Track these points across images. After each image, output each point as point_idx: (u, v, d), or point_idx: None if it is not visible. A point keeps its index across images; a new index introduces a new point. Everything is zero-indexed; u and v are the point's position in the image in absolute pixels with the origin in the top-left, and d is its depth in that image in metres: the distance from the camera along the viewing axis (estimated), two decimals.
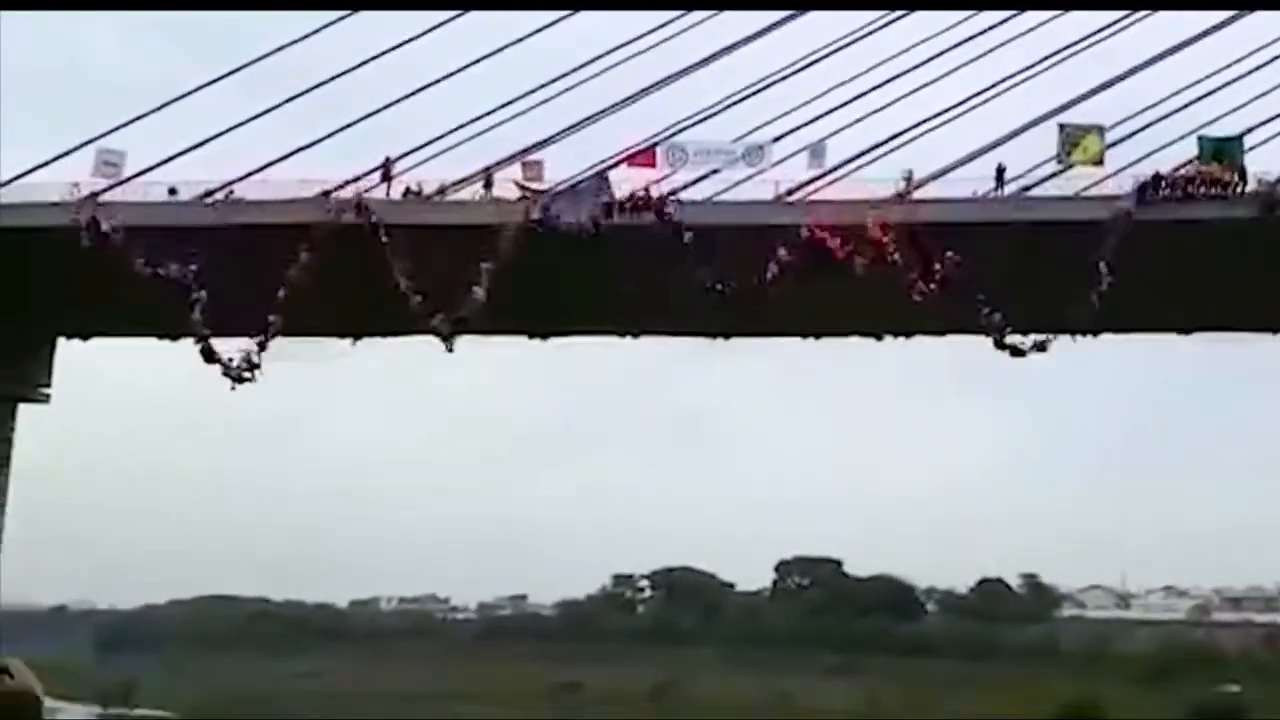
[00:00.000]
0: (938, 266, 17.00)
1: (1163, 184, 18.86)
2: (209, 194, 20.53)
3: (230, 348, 20.14)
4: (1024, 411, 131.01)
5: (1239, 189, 18.94)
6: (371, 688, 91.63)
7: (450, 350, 18.44)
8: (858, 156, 19.54)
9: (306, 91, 22.05)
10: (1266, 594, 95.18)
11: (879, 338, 18.14)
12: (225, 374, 21.16)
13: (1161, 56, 20.61)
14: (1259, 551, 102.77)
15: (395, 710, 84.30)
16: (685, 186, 19.64)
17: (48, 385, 26.15)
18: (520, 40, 21.55)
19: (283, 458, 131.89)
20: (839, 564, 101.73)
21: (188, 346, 21.05)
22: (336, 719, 79.35)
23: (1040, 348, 20.04)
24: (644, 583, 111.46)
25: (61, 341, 24.06)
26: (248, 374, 21.54)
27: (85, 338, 22.61)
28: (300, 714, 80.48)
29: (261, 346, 19.31)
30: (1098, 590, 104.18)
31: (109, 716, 40.26)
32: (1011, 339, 19.40)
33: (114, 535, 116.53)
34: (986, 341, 18.65)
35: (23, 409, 25.29)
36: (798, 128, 19.77)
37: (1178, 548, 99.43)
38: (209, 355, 21.15)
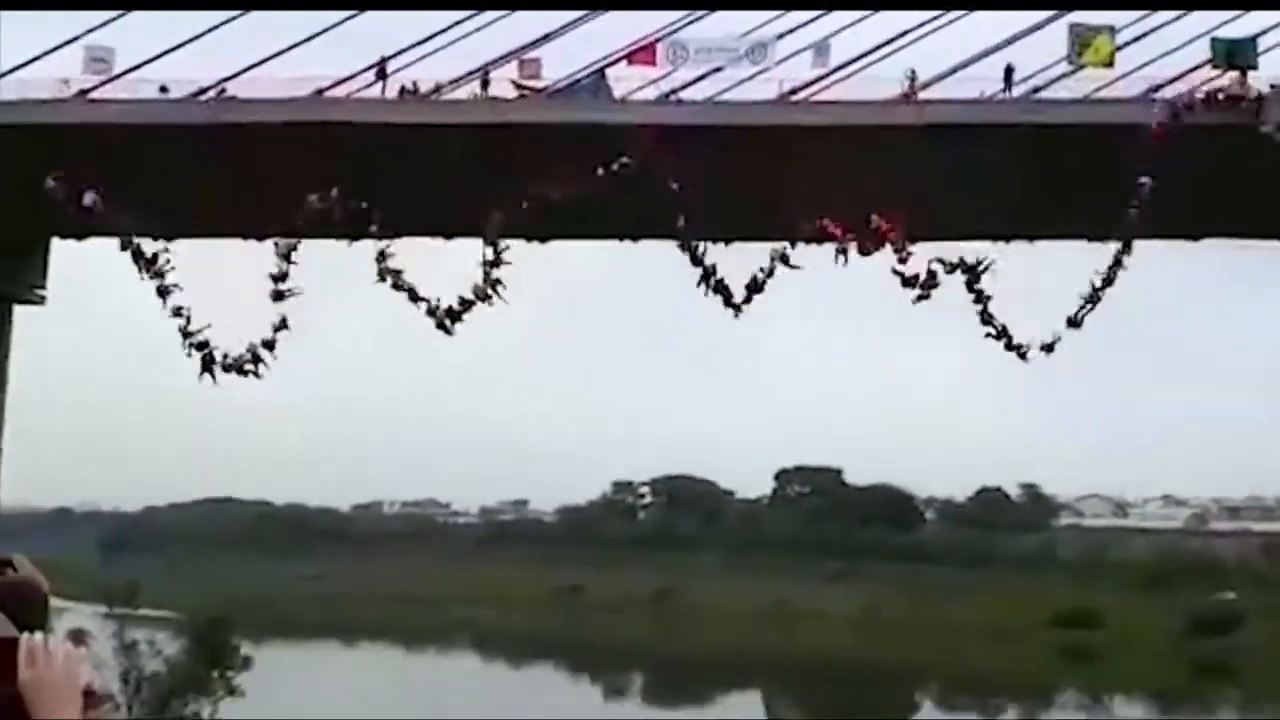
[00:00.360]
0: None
1: (1178, 102, 18.49)
2: (201, 92, 20.16)
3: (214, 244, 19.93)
4: (1026, 318, 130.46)
5: (1256, 100, 18.60)
6: (374, 590, 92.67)
7: (449, 239, 18.28)
8: (863, 55, 19.16)
9: None
10: (1265, 503, 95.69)
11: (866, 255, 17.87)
12: (227, 370, 21.10)
13: None
14: (1259, 460, 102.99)
15: (398, 612, 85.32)
16: (686, 85, 19.29)
17: (43, 287, 25.90)
18: None
19: (283, 363, 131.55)
20: (839, 473, 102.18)
21: (183, 245, 20.81)
22: (341, 620, 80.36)
23: (1048, 349, 19.96)
24: (644, 490, 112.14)
25: (56, 243, 23.81)
26: (250, 367, 21.45)
27: (80, 238, 22.31)
28: (305, 615, 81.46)
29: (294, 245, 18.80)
30: (1096, 499, 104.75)
31: (115, 615, 40.66)
32: (1020, 339, 19.44)
33: (115, 439, 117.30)
34: (989, 246, 18.43)
35: (19, 311, 25.12)
36: (802, 25, 19.37)
37: (1177, 457, 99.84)
38: (207, 364, 21.05)
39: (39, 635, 2.20)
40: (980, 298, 18.60)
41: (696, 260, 17.60)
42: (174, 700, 31.46)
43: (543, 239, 18.46)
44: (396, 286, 18.34)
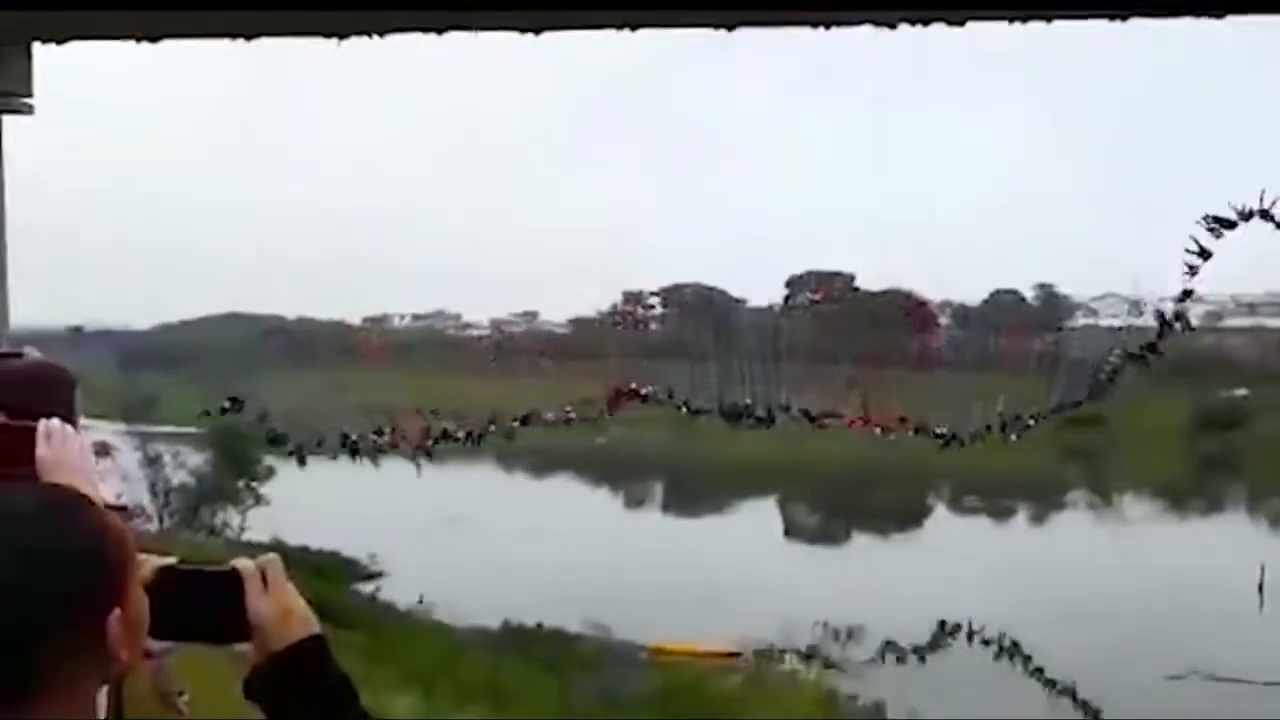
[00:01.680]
0: None
1: None
2: None
3: (201, 49, 19.04)
4: (1040, 110, 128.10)
5: None
6: (391, 404, 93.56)
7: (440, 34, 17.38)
8: None
9: None
10: None
11: (893, 27, 16.80)
12: None
13: None
14: (1277, 256, 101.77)
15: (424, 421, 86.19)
16: None
17: (29, 95, 25.03)
18: None
19: (279, 173, 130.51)
20: (851, 278, 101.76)
21: (172, 50, 19.92)
22: (369, 429, 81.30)
23: (1183, 323, 17.61)
24: (654, 300, 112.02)
25: (38, 49, 22.94)
26: None
27: (60, 42, 21.41)
28: (334, 423, 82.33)
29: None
30: (1111, 298, 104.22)
31: (138, 433, 40.99)
32: (1164, 306, 17.53)
33: (122, 254, 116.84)
34: (1004, 30, 17.42)
35: (7, 123, 24.39)
36: None
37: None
38: None
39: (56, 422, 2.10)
40: None
41: None
42: (202, 509, 31.89)
43: (536, 31, 17.52)
44: None
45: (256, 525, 33.87)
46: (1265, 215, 15.98)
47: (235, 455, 35.84)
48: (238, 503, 34.42)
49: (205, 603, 1.81)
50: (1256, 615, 31.43)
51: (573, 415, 18.89)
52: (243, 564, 1.84)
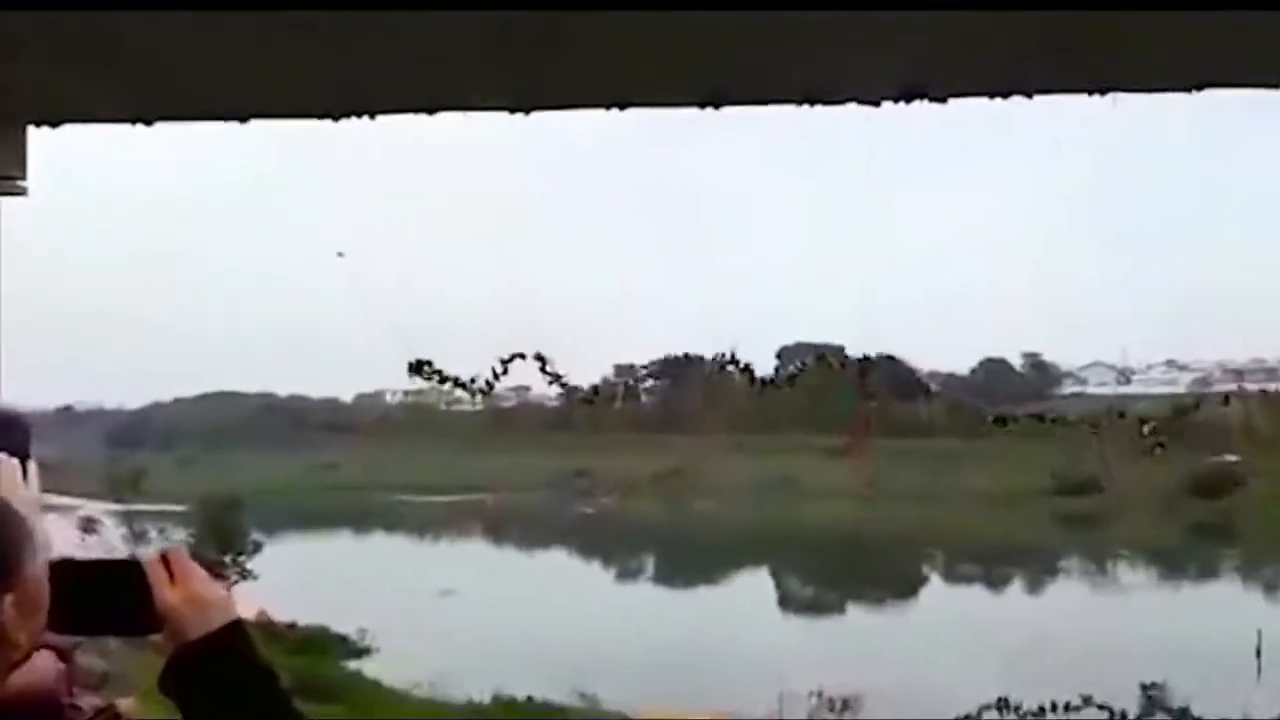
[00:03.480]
0: None
1: None
2: None
3: (209, 131, 19.23)
4: (1023, 185, 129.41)
5: None
6: (382, 479, 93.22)
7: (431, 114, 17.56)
8: None
9: None
10: (1268, 365, 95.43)
11: (877, 104, 17.05)
12: None
13: None
14: (1262, 322, 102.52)
15: (408, 501, 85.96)
16: None
17: (23, 177, 25.15)
18: None
19: (272, 250, 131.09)
20: (841, 348, 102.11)
21: (168, 132, 20.10)
22: (350, 510, 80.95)
23: None
24: (645, 371, 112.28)
25: (33, 132, 23.13)
26: None
27: (55, 125, 21.58)
28: (314, 506, 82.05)
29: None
30: (1099, 366, 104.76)
31: (127, 512, 40.73)
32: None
33: (113, 334, 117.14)
34: (988, 107, 17.70)
35: (2, 204, 24.53)
36: None
37: (1180, 320, 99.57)
38: None
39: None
40: None
41: None
42: None
43: (526, 110, 17.78)
44: None
45: (242, 601, 33.61)
46: None
47: (222, 530, 35.70)
48: (223, 578, 34.17)
49: (108, 595, 1.77)
50: (1253, 681, 31.26)
51: None
52: (145, 555, 1.80)
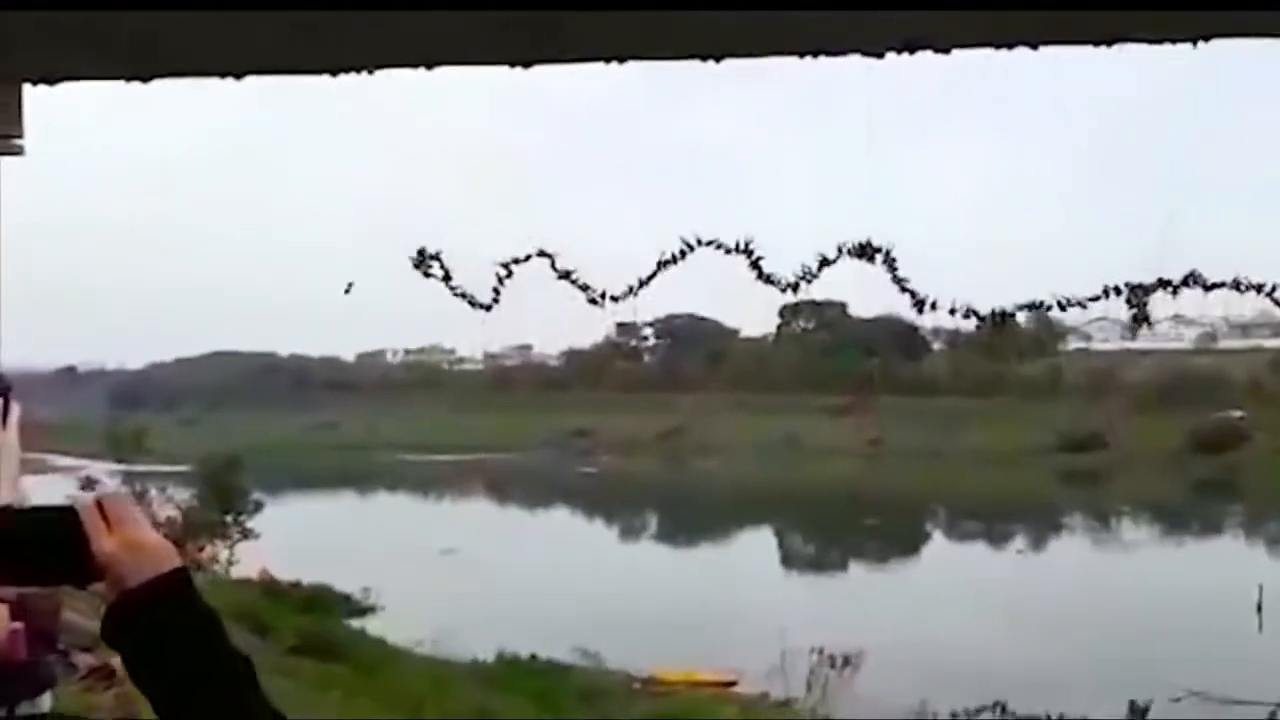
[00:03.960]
0: None
1: None
2: None
3: (194, 87, 19.09)
4: (1028, 135, 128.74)
5: None
6: (384, 439, 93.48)
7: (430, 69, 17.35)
8: None
9: None
10: (1275, 320, 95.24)
11: (880, 55, 16.83)
12: None
13: None
14: (1271, 276, 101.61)
15: (411, 460, 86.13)
16: None
17: (20, 136, 25.02)
18: None
19: (271, 207, 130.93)
20: (844, 306, 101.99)
21: (166, 90, 19.94)
22: (353, 470, 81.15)
23: None
24: (648, 330, 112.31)
25: (29, 90, 22.97)
26: None
27: (52, 83, 21.42)
28: (317, 466, 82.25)
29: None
30: (1104, 321, 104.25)
31: (129, 473, 40.77)
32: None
33: (114, 294, 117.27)
34: (992, 57, 17.50)
35: (2, 165, 24.39)
36: None
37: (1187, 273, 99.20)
38: None
39: None
40: None
41: None
42: (189, 543, 31.68)
43: (525, 64, 17.63)
44: None
45: (245, 560, 33.70)
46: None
47: (223, 489, 35.72)
48: (225, 537, 34.21)
49: (41, 544, 1.71)
50: (1255, 636, 31.36)
51: None
52: (80, 499, 1.73)
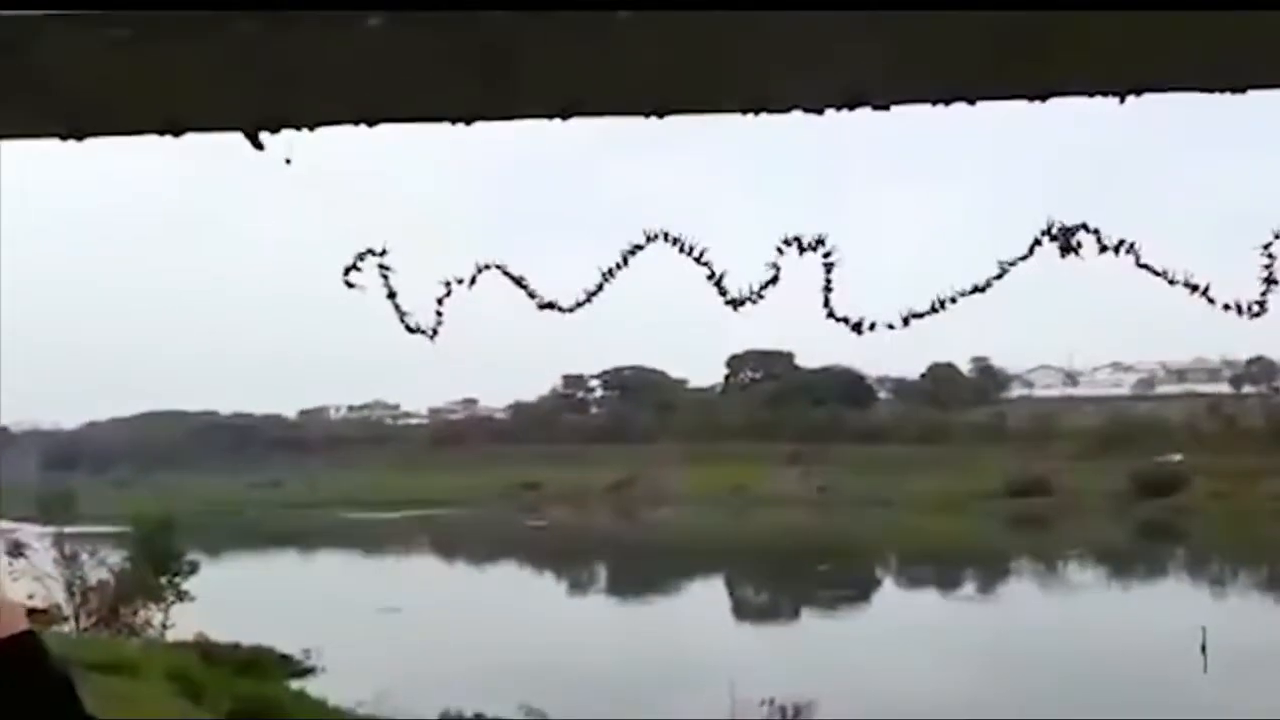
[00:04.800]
0: None
1: None
2: None
3: (140, 146, 19.00)
4: (967, 188, 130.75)
5: None
6: (328, 496, 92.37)
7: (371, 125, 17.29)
8: None
9: None
10: (1210, 365, 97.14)
11: (820, 111, 17.01)
12: None
13: None
14: (1204, 323, 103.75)
15: (355, 518, 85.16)
16: None
17: None
18: None
19: (211, 265, 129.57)
20: (791, 356, 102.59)
21: (97, 147, 19.80)
22: (296, 528, 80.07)
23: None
24: (595, 383, 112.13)
25: None
26: None
27: None
28: (259, 525, 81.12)
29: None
30: (1046, 370, 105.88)
31: (63, 535, 39.85)
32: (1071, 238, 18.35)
33: (50, 352, 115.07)
34: (929, 114, 17.75)
35: None
36: None
37: (1125, 322, 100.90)
38: None
39: None
40: None
41: None
42: (122, 608, 31.00)
43: (469, 121, 17.69)
44: None
45: (181, 622, 33.00)
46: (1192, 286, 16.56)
47: (157, 551, 35.00)
48: (160, 600, 33.46)
49: None
50: (1201, 676, 31.55)
51: None
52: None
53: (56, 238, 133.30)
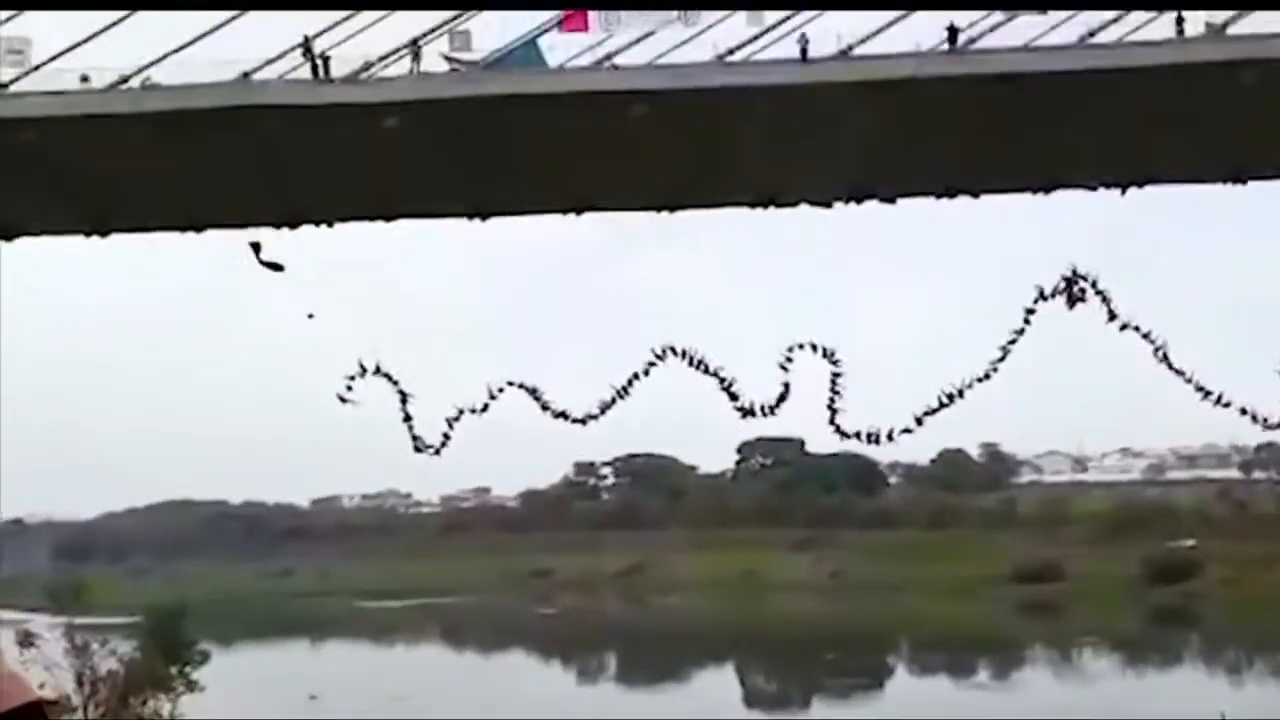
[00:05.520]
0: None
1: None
2: (123, 80, 19.55)
3: (157, 241, 19.39)
4: (974, 278, 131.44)
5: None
6: (342, 584, 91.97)
7: (388, 221, 17.58)
8: (795, 12, 18.89)
9: None
10: (1220, 451, 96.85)
11: (828, 205, 17.40)
12: None
13: None
14: (1213, 409, 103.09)
15: (366, 607, 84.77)
16: (620, 51, 18.98)
17: None
18: None
19: (226, 358, 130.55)
20: (801, 442, 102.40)
21: (116, 244, 20.20)
22: (307, 617, 79.66)
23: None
24: (606, 470, 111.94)
25: None
26: None
27: (8, 238, 21.62)
28: (270, 614, 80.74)
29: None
30: (1055, 455, 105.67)
31: (74, 625, 39.82)
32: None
33: (64, 445, 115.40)
34: (935, 206, 18.14)
35: None
36: None
37: (1133, 409, 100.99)
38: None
39: None
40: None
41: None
42: (132, 699, 30.86)
43: (483, 216, 18.07)
44: None
45: (191, 712, 32.81)
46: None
47: (168, 641, 34.90)
48: (169, 690, 33.30)
49: None
50: None
51: None
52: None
53: (72, 331, 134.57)
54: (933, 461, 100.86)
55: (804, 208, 19.68)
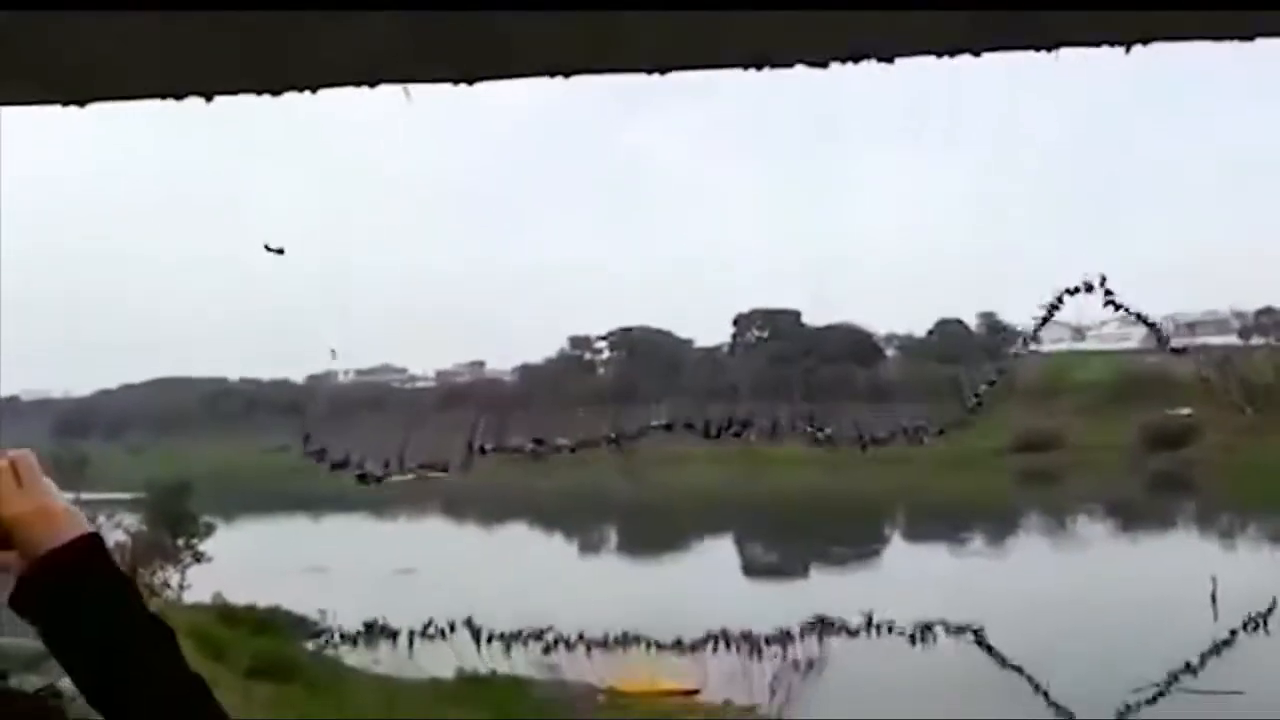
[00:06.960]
0: None
1: None
2: None
3: (133, 111, 18.92)
4: (976, 145, 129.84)
5: None
6: (341, 458, 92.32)
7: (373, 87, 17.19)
8: None
9: None
10: (1220, 318, 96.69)
11: (825, 65, 16.85)
12: None
13: None
14: (1215, 276, 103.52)
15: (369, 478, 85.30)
16: None
17: None
18: None
19: (217, 231, 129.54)
20: (797, 314, 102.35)
21: (103, 112, 19.74)
22: (306, 492, 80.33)
23: None
24: (601, 344, 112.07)
25: None
26: None
27: None
28: (269, 489, 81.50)
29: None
30: (1054, 324, 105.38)
31: (74, 501, 39.96)
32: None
33: (58, 320, 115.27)
34: (938, 67, 17.62)
35: None
36: None
37: (1134, 276, 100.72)
38: None
39: None
40: None
41: None
42: (140, 570, 31.35)
43: (470, 81, 17.58)
44: None
45: (199, 584, 33.31)
46: None
47: (172, 514, 35.33)
48: (176, 561, 33.85)
49: None
50: (1211, 626, 31.68)
51: None
52: None
53: (65, 206, 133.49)
54: (929, 333, 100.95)
55: (800, 69, 19.22)
